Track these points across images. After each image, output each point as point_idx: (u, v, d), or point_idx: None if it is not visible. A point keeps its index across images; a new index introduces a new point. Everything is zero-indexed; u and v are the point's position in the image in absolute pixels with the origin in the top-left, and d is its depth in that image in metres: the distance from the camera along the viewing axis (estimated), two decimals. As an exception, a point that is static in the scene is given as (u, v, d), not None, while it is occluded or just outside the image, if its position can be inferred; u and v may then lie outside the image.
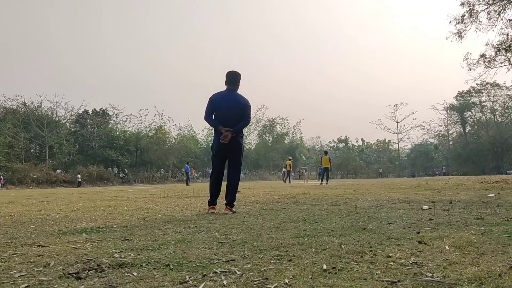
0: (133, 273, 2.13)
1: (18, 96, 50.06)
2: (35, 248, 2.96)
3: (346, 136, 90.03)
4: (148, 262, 2.38)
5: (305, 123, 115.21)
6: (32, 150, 52.45)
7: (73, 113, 53.77)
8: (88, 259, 2.49)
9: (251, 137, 69.57)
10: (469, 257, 2.34)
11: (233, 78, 5.78)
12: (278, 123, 70.23)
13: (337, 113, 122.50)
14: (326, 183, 20.61)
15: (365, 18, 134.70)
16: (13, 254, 2.72)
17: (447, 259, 2.30)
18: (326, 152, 23.66)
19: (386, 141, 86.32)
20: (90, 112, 55.91)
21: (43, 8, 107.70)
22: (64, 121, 54.13)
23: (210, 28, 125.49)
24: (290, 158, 34.57)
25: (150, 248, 2.86)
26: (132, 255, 2.62)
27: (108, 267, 2.28)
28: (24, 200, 10.23)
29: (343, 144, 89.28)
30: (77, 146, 54.52)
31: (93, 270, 2.21)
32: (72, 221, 4.80)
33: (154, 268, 2.25)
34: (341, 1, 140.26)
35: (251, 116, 6.22)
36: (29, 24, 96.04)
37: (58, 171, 44.14)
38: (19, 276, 2.11)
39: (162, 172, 53.97)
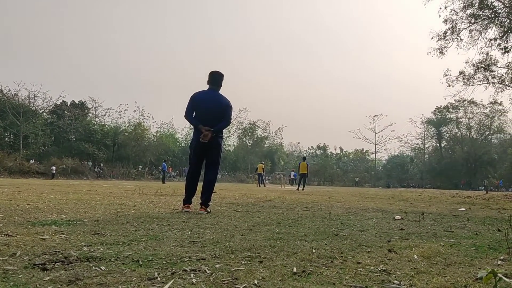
0: (101, 267, 2.09)
1: (-5, 83, 48.71)
2: (2, 237, 2.89)
3: (325, 143, 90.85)
4: (117, 257, 2.35)
5: (286, 128, 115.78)
6: (6, 139, 51.14)
7: (51, 103, 52.56)
8: (55, 251, 2.44)
9: (230, 139, 69.36)
10: (436, 268, 2.38)
11: (215, 78, 5.75)
12: (259, 127, 70.20)
13: (318, 120, 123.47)
14: (303, 189, 20.73)
15: (348, 29, 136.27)
16: (-22, 242, 2.64)
17: (415, 268, 2.33)
18: (304, 158, 23.79)
19: (364, 151, 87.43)
20: (69, 103, 54.82)
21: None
22: (41, 111, 52.93)
23: (196, 29, 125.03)
24: (262, 162, 34.65)
25: (121, 243, 2.82)
26: (101, 249, 2.58)
27: (76, 260, 2.23)
28: (-6, 189, 9.97)
29: (321, 151, 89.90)
30: (53, 138, 53.40)
31: (60, 262, 2.17)
32: (42, 212, 4.70)
33: (123, 263, 2.22)
34: (324, 10, 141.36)
35: (232, 118, 6.20)
36: (10, 9, 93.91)
37: (32, 161, 43.17)
38: (-18, 265, 2.05)
39: (139, 169, 53.32)
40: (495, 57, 22.27)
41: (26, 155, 45.61)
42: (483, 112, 69.51)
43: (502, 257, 2.78)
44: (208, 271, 2.10)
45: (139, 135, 55.41)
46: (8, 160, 38.56)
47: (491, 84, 23.04)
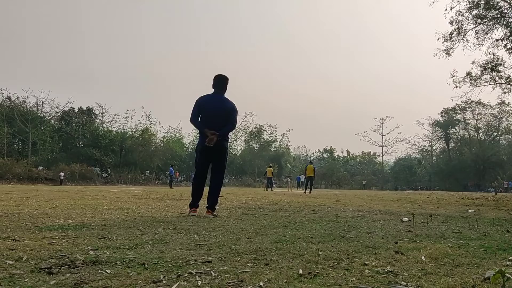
0: (107, 271, 2.10)
1: (4, 90, 49.02)
2: (9, 242, 2.90)
3: (331, 146, 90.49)
4: (123, 261, 2.35)
5: (293, 131, 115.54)
6: (15, 145, 51.55)
7: (59, 110, 52.98)
8: (62, 255, 2.45)
9: (237, 143, 69.40)
10: (444, 268, 2.36)
11: (220, 82, 5.76)
12: (266, 131, 70.15)
13: (324, 123, 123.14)
14: (310, 192, 20.67)
15: (355, 31, 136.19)
16: (-15, 247, 2.66)
17: (422, 269, 2.31)
18: (311, 162, 23.74)
19: (371, 154, 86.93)
20: (76, 110, 55.15)
21: (33, 1, 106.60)
22: (49, 117, 53.33)
23: (204, 31, 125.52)
24: (271, 165, 34.57)
25: (127, 247, 2.82)
26: (107, 253, 2.58)
27: (82, 264, 2.24)
28: (3, 195, 10.05)
29: (328, 154, 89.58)
30: (61, 144, 53.74)
31: (66, 266, 2.17)
32: (49, 217, 4.73)
33: (129, 267, 2.21)
34: (330, 12, 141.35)
35: (238, 121, 6.19)
36: (17, 17, 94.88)
37: (40, 168, 43.43)
38: (-11, 269, 2.06)
39: (146, 174, 53.46)
40: (502, 58, 22.19)
41: (35, 162, 45.93)
42: (491, 113, 69.06)
43: (511, 258, 2.75)
44: (213, 274, 2.10)
45: (146, 140, 55.59)
46: (17, 167, 38.80)
47: (498, 84, 22.93)
